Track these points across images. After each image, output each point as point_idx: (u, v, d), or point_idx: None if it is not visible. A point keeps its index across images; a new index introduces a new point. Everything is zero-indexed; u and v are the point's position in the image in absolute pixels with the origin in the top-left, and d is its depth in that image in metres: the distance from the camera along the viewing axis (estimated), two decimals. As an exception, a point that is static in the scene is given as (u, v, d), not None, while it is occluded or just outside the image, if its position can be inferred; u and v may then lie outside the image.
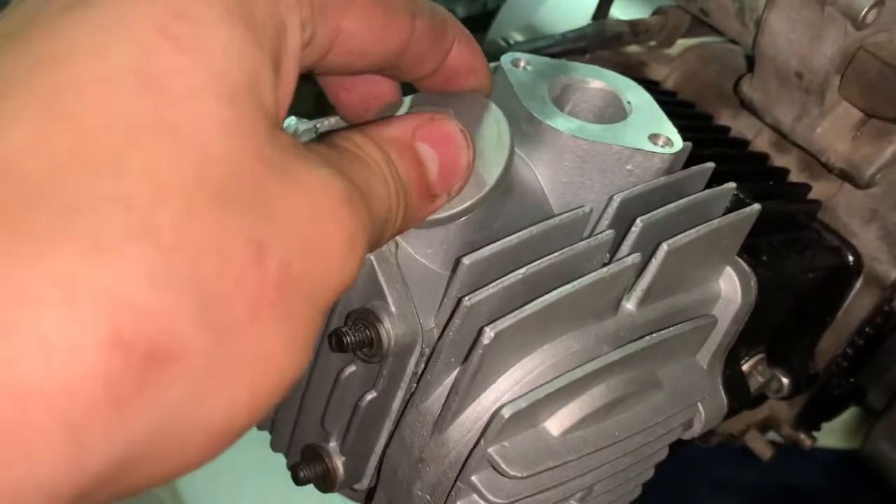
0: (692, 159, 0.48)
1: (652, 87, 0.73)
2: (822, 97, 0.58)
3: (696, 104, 0.72)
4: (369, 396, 0.43)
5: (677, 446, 0.52)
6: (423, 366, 0.41)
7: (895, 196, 0.61)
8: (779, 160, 0.66)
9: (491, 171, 0.40)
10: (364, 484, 0.46)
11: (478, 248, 0.39)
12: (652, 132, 0.46)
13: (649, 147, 0.45)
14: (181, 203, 0.23)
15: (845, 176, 0.60)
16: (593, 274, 0.41)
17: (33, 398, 0.20)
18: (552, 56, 0.72)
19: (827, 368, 0.68)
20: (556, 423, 0.39)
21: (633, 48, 0.76)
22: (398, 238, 0.42)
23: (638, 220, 0.43)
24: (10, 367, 0.20)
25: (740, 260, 0.49)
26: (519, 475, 0.38)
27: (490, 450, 0.38)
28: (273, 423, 0.50)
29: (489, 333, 0.37)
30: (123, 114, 0.23)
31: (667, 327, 0.44)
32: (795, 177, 0.65)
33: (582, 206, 0.43)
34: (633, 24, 0.73)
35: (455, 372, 0.40)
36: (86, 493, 0.22)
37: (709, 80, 0.73)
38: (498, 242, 0.40)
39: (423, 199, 0.35)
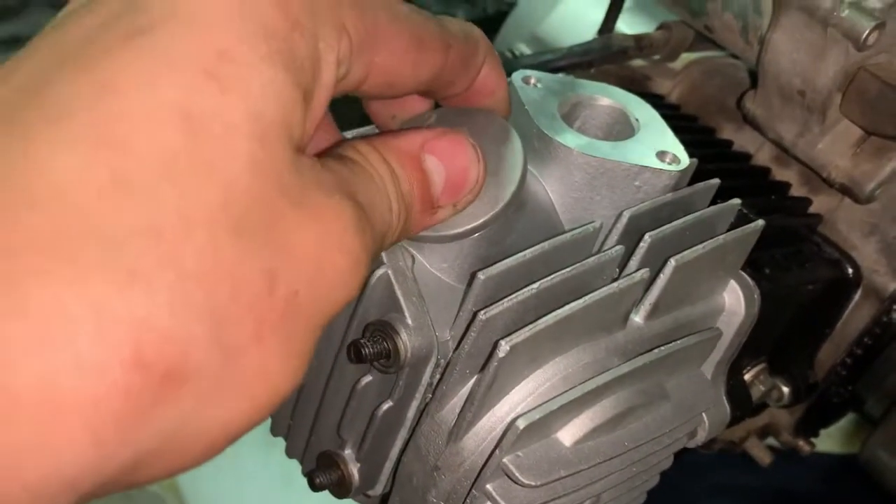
0: (697, 173, 0.49)
1: (656, 101, 0.74)
2: (823, 115, 0.60)
3: (699, 118, 0.73)
4: (385, 406, 0.44)
5: (681, 454, 0.53)
6: (438, 376, 0.42)
7: (894, 210, 0.63)
8: (780, 174, 0.68)
9: (505, 189, 0.42)
10: (378, 490, 0.48)
11: (492, 263, 0.41)
12: (659, 149, 0.47)
13: (657, 164, 0.46)
14: (204, 235, 0.25)
15: (846, 191, 0.61)
16: (604, 289, 0.42)
17: (68, 407, 0.23)
18: (559, 69, 0.73)
19: (826, 378, 0.69)
20: (568, 434, 0.41)
21: (637, 62, 0.77)
22: (414, 253, 0.43)
23: (647, 236, 0.44)
24: (53, 380, 0.23)
25: (744, 274, 0.51)
26: (533, 483, 0.39)
27: (505, 459, 0.39)
28: (289, 430, 0.51)
29: (504, 347, 0.38)
30: (163, 149, 0.25)
31: (674, 340, 0.45)
32: (797, 191, 0.67)
33: (592, 222, 0.44)
34: (638, 39, 0.75)
35: (470, 383, 0.41)
36: (100, 486, 0.25)
37: (712, 95, 0.75)
38: (511, 258, 0.41)
39: (425, 212, 0.37)
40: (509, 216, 0.42)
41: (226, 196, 0.26)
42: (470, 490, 0.40)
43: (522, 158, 0.43)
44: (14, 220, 0.23)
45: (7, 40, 1.38)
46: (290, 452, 0.52)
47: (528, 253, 0.42)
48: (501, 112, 0.44)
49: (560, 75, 0.52)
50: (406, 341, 0.41)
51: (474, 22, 0.41)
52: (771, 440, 0.81)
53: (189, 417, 0.25)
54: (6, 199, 0.23)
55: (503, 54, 0.90)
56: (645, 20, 0.79)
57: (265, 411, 0.28)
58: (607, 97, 0.51)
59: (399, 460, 0.45)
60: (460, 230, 0.41)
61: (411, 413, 0.44)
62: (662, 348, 0.44)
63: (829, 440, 1.30)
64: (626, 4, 0.78)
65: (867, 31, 0.53)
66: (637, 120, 0.49)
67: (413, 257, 0.43)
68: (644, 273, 0.43)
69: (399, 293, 0.41)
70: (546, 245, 0.42)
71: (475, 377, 0.41)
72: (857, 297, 0.65)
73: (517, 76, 0.49)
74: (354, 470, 0.47)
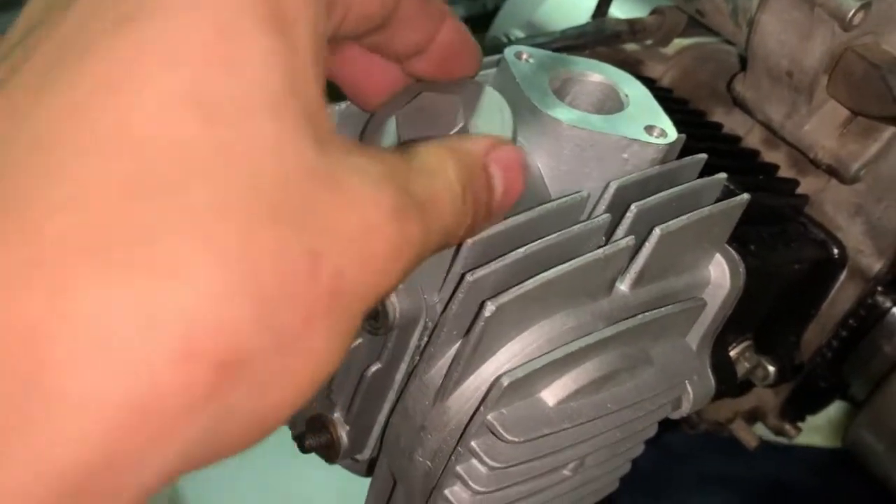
0: (685, 152, 0.50)
1: (648, 84, 0.75)
2: (810, 96, 0.61)
3: (691, 101, 0.74)
4: (374, 368, 0.45)
5: (667, 429, 0.54)
6: (426, 339, 0.43)
7: (879, 191, 0.64)
8: (769, 156, 0.69)
9: None
10: (366, 454, 0.48)
11: (480, 229, 0.42)
12: (648, 124, 0.48)
13: (645, 137, 0.47)
14: (240, 221, 0.25)
15: (832, 171, 0.62)
16: (589, 254, 0.43)
17: (135, 410, 0.23)
18: (553, 52, 0.74)
19: (812, 359, 0.70)
20: (551, 394, 0.42)
21: (630, 46, 0.78)
22: None
23: (633, 206, 0.45)
24: (107, 385, 0.23)
25: (729, 247, 0.51)
26: (516, 440, 0.40)
27: (489, 416, 0.40)
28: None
29: (490, 307, 0.39)
30: (181, 140, 0.25)
31: (658, 308, 0.46)
32: (785, 172, 0.68)
33: (580, 191, 0.45)
34: (631, 23, 0.76)
35: (457, 344, 0.42)
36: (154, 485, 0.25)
37: (703, 79, 0.75)
38: (499, 223, 0.42)
39: (486, 220, 0.37)
40: (498, 183, 0.43)
41: (253, 180, 0.25)
42: (455, 447, 0.41)
43: (512, 126, 0.43)
44: (41, 228, 0.23)
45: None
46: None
47: (515, 219, 0.42)
48: (472, 73, 0.44)
49: (551, 52, 0.53)
50: (395, 303, 0.42)
51: (474, 17, 0.42)
52: (762, 436, 0.82)
53: (238, 404, 0.25)
54: (30, 208, 0.23)
55: (498, 39, 0.91)
56: (638, 5, 0.80)
57: (309, 392, 0.28)
58: (598, 73, 0.51)
59: (387, 425, 0.46)
60: None
61: (399, 375, 0.45)
62: (647, 314, 0.45)
63: (818, 434, 1.31)
64: (621, -10, 0.79)
65: (853, 11, 0.54)
66: (627, 96, 0.50)
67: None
68: (630, 240, 0.44)
69: (389, 256, 0.42)
70: (533, 212, 0.43)
71: (462, 339, 0.42)
72: (842, 277, 0.66)
73: (509, 51, 0.50)
74: (343, 433, 0.48)
